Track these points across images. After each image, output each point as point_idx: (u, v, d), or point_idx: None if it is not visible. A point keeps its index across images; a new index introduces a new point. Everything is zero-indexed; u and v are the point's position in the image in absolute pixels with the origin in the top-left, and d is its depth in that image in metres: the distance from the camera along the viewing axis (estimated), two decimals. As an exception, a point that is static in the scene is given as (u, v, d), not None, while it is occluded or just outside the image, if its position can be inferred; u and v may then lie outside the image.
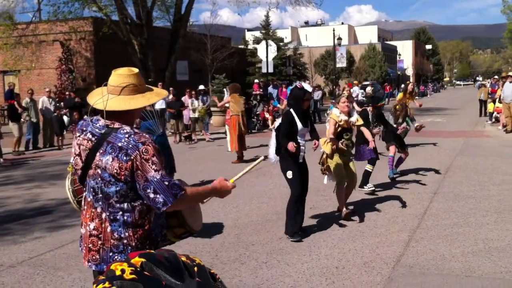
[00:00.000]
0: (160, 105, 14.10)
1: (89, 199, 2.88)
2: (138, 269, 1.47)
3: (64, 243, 6.70)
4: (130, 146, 2.70)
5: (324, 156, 7.59)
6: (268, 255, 6.08)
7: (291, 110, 6.85)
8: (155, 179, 2.68)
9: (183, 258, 1.59)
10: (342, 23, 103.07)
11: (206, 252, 6.15)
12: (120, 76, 2.85)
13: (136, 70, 2.94)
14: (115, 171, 2.72)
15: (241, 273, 5.52)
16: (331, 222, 7.37)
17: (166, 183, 2.69)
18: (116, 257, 2.79)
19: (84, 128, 2.89)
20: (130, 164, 2.69)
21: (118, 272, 1.47)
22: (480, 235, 6.62)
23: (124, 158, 2.70)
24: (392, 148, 10.52)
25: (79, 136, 2.91)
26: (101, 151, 2.76)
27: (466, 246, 6.20)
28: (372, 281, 5.23)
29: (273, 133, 7.05)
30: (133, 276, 1.44)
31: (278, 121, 7.08)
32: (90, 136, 2.83)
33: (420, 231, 6.88)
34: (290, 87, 7.55)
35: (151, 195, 2.69)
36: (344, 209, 7.60)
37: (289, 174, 6.75)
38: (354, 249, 6.19)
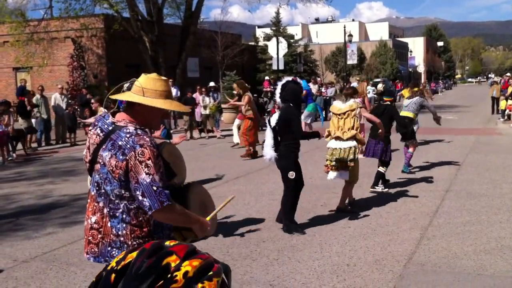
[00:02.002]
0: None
1: (93, 193, 2.94)
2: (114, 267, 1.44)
3: (76, 238, 6.75)
4: (128, 146, 2.73)
5: (355, 150, 7.49)
6: (279, 252, 6.09)
7: (291, 105, 6.83)
8: (145, 182, 2.69)
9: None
10: (353, 20, 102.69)
11: (217, 249, 6.17)
12: (147, 78, 2.91)
13: (161, 77, 2.97)
14: (111, 168, 2.76)
15: (252, 269, 5.54)
16: (342, 220, 7.36)
17: (155, 188, 2.69)
18: (114, 252, 2.83)
19: (96, 123, 2.96)
20: (125, 164, 2.72)
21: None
22: (493, 233, 6.58)
23: (121, 157, 2.73)
24: (414, 146, 10.83)
25: (90, 129, 2.99)
26: (103, 147, 2.82)
27: (478, 244, 6.18)
28: (383, 278, 5.22)
29: (269, 131, 6.91)
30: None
31: (274, 117, 6.89)
32: (99, 131, 2.89)
33: (432, 229, 6.86)
34: (280, 82, 7.14)
35: (140, 198, 2.72)
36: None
37: (292, 174, 6.80)
38: (365, 247, 6.19)
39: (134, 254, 1.43)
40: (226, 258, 5.88)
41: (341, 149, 7.45)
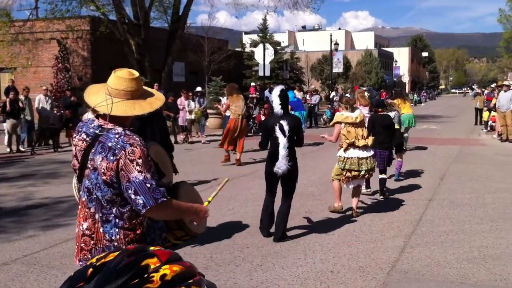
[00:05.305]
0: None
1: (83, 199, 2.90)
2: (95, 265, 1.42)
3: (58, 241, 6.67)
4: (118, 146, 2.70)
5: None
6: (263, 258, 6.06)
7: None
8: (137, 180, 2.66)
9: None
10: (339, 29, 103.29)
11: (201, 254, 6.13)
12: (122, 79, 2.82)
13: (137, 73, 2.90)
14: (103, 170, 2.72)
15: (236, 275, 5.51)
16: (327, 227, 7.37)
17: (148, 185, 2.67)
18: None
19: (80, 129, 2.92)
20: (116, 164, 2.69)
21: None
22: (475, 242, 6.63)
23: (111, 158, 2.70)
24: (401, 155, 11.08)
25: (75, 137, 2.94)
26: (93, 150, 2.78)
27: (461, 253, 6.21)
28: (367, 286, 5.22)
29: (285, 140, 6.47)
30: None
31: (285, 126, 6.51)
32: (85, 137, 2.85)
33: (415, 237, 6.89)
34: (275, 92, 6.85)
35: (132, 196, 2.68)
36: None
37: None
38: (349, 254, 6.19)
39: (116, 253, 1.41)
40: (209, 263, 5.85)
41: (367, 158, 7.68)
